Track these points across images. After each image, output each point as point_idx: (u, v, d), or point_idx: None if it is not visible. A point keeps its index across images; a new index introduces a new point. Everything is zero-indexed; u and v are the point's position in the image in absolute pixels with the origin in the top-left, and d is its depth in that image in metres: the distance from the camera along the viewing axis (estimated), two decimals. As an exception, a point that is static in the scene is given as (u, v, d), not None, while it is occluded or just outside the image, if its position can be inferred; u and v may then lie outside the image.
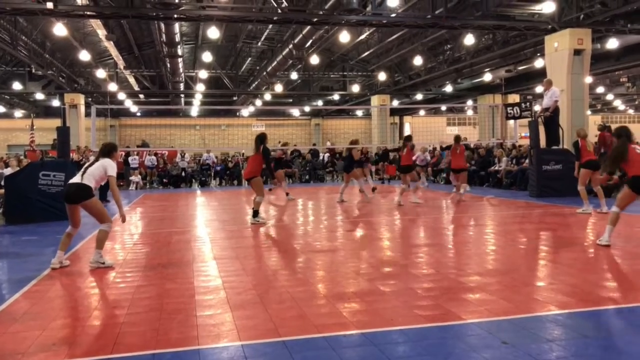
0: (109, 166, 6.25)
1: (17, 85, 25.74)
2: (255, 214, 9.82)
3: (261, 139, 9.99)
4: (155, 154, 23.69)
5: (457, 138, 13.32)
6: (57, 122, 20.58)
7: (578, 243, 7.40)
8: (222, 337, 3.73)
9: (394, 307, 4.36)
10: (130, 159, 22.69)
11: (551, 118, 13.87)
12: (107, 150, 6.46)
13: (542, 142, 14.28)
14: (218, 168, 24.25)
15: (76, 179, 6.20)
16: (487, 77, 24.12)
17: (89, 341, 3.70)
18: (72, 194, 6.10)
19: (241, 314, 4.24)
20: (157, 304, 4.57)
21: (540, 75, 19.36)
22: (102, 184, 6.46)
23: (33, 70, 23.47)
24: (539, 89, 23.65)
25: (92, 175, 6.18)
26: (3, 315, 4.38)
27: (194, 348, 3.53)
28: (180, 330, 3.87)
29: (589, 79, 16.59)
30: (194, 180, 23.72)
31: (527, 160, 15.62)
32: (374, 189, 15.80)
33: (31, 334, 3.83)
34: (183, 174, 23.29)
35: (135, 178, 22.36)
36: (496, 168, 18.12)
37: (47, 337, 3.79)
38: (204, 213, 12.51)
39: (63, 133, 11.99)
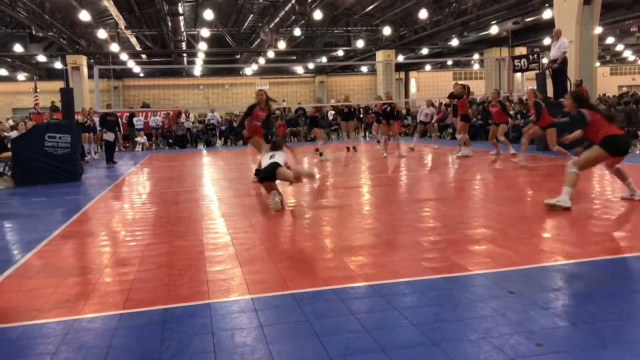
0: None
1: (18, 48, 25.43)
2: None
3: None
4: (159, 114, 23.59)
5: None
6: (60, 85, 20.34)
7: (585, 195, 7.39)
8: (232, 291, 3.79)
9: (400, 260, 4.41)
10: (134, 119, 22.66)
11: (559, 70, 13.64)
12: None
13: (550, 94, 14.08)
14: (223, 128, 24.17)
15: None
16: (494, 29, 23.59)
17: (102, 297, 3.77)
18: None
19: (251, 269, 4.29)
20: (167, 261, 4.63)
21: (548, 27, 18.90)
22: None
23: (34, 32, 23.15)
24: (546, 41, 23.16)
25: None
26: (17, 273, 4.47)
27: (204, 302, 3.59)
28: (191, 286, 3.93)
29: (598, 30, 16.20)
30: (199, 140, 23.69)
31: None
32: (348, 149, 16.22)
33: (45, 291, 3.91)
34: (188, 134, 23.26)
35: (141, 139, 22.38)
36: (503, 122, 17.91)
37: (61, 293, 3.86)
38: (210, 172, 12.54)
39: (66, 94, 11.94)
